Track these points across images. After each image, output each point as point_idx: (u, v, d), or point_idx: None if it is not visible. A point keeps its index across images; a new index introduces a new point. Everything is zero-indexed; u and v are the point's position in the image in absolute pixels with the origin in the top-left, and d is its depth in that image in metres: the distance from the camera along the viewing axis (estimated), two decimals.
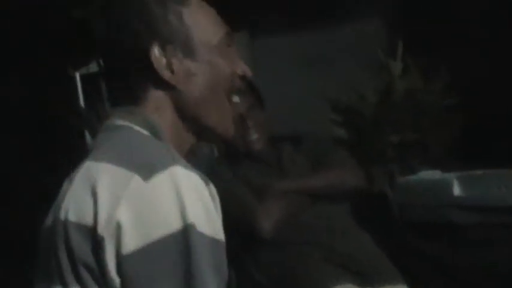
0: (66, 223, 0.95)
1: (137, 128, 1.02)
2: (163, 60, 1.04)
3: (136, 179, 0.90)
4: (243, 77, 1.13)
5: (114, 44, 1.06)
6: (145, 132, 1.02)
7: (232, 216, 2.12)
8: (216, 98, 1.09)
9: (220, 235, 0.95)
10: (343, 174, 2.24)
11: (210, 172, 2.26)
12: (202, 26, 1.08)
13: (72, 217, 0.95)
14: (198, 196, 0.92)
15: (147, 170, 0.91)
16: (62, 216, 0.97)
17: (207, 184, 0.95)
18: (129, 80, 1.06)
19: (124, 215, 0.89)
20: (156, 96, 1.05)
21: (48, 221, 1.02)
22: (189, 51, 1.06)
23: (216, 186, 2.19)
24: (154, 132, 1.02)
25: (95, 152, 1.01)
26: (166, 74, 1.04)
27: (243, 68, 1.12)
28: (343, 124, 3.80)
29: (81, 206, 0.94)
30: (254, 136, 2.21)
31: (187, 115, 1.07)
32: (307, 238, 2.14)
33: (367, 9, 4.64)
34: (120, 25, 1.05)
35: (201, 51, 1.07)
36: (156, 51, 1.04)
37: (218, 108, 1.09)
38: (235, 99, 1.17)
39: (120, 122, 1.03)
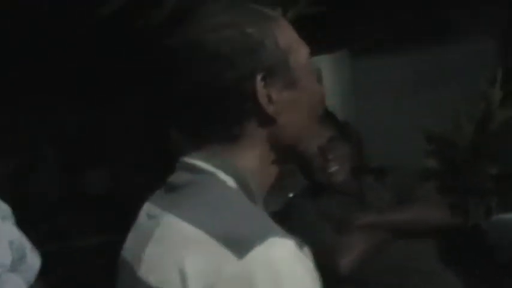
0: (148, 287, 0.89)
1: (222, 176, 0.92)
2: (265, 92, 0.93)
3: (231, 258, 0.80)
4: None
5: (200, 72, 0.93)
6: (231, 182, 0.92)
7: (312, 252, 2.03)
8: (312, 124, 1.01)
9: None
10: (428, 210, 2.08)
11: (290, 205, 2.19)
12: (295, 48, 0.97)
13: (155, 284, 0.88)
14: (297, 267, 0.82)
15: (243, 246, 0.80)
16: (143, 276, 0.90)
17: (301, 247, 0.85)
18: (224, 114, 0.93)
19: None
20: (253, 131, 0.94)
21: (125, 264, 0.97)
22: (287, 78, 0.95)
23: (296, 219, 2.12)
24: (241, 182, 0.92)
25: (177, 201, 0.92)
26: (270, 108, 0.93)
27: (323, 91, 1.04)
28: (436, 154, 3.61)
29: (167, 277, 0.85)
30: (334, 168, 2.10)
31: (282, 147, 0.97)
32: (390, 279, 1.99)
33: (475, 30, 4.42)
34: (215, 54, 0.92)
35: (299, 77, 0.96)
36: (259, 82, 0.92)
37: (311, 132, 1.01)
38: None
39: (202, 165, 0.93)
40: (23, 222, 2.06)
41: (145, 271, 0.90)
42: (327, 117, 2.17)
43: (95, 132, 5.01)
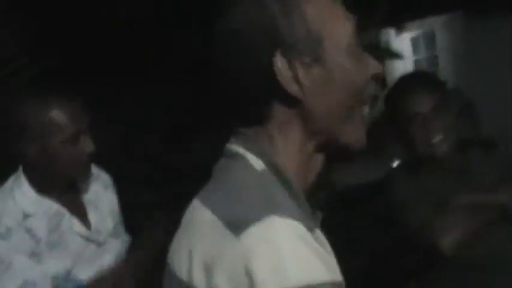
0: (173, 275, 0.90)
1: (252, 158, 0.90)
2: (289, 72, 0.87)
3: (229, 238, 0.79)
4: (381, 79, 0.93)
5: (229, 53, 0.90)
6: (259, 164, 0.88)
7: (410, 231, 1.89)
8: (350, 109, 0.91)
9: (337, 276, 0.81)
10: None
11: (386, 180, 2.04)
12: (329, 22, 0.89)
13: (173, 268, 0.91)
14: (297, 246, 0.77)
15: (240, 224, 0.79)
16: (169, 262, 0.94)
17: (312, 230, 0.81)
18: (247, 95, 0.90)
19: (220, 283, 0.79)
20: (281, 114, 0.90)
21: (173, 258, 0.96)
22: (317, 56, 0.88)
23: (393, 196, 1.97)
24: (271, 165, 0.88)
25: (208, 185, 0.92)
26: (293, 88, 0.88)
27: (377, 69, 0.93)
28: None
29: (181, 261, 0.88)
30: (437, 139, 1.92)
31: (318, 132, 0.91)
32: (495, 263, 1.81)
33: None
34: (235, 31, 0.88)
35: (331, 55, 0.89)
36: (279, 61, 0.87)
37: (352, 121, 0.92)
38: (366, 109, 0.96)
39: (236, 149, 0.92)
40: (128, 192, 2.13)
41: (170, 257, 0.92)
42: (430, 82, 1.99)
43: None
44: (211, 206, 0.85)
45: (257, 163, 0.89)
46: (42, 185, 1.74)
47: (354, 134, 0.92)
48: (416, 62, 14.13)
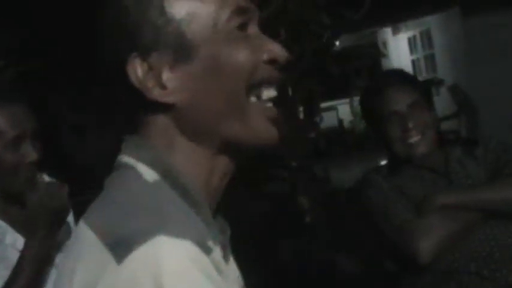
0: None
1: (143, 168, 0.79)
2: (150, 75, 0.78)
3: (111, 264, 0.68)
4: (281, 62, 0.82)
5: (100, 55, 0.82)
6: (151, 174, 0.78)
7: (387, 235, 1.80)
8: (239, 101, 0.80)
9: None
10: None
11: (363, 182, 1.96)
12: (195, 10, 0.79)
13: None
14: (186, 272, 0.67)
15: (123, 247, 0.68)
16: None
17: (206, 252, 0.70)
18: (118, 101, 0.82)
19: None
20: (158, 120, 0.80)
21: None
22: (182, 52, 0.78)
23: (370, 198, 1.88)
24: (165, 172, 0.78)
25: (94, 202, 0.79)
26: (154, 93, 0.78)
27: (274, 51, 0.82)
28: None
29: (63, 286, 0.75)
30: (415, 138, 1.84)
31: (205, 133, 0.81)
32: (477, 267, 1.73)
33: None
34: (100, 31, 0.81)
35: (200, 46, 0.79)
36: (136, 65, 0.78)
37: (242, 113, 0.81)
38: (268, 93, 0.85)
39: (126, 159, 0.82)
40: None
41: (56, 280, 0.82)
42: (406, 80, 1.92)
43: None
44: (93, 225, 0.74)
45: (149, 174, 0.79)
46: None
47: (254, 130, 0.81)
48: (413, 61, 14.07)
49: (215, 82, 0.79)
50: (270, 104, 0.84)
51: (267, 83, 0.83)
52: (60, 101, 4.76)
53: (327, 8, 4.76)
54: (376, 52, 9.59)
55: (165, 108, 0.79)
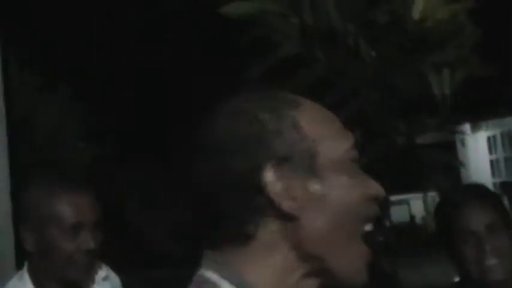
0: None
1: (225, 286, 0.79)
2: (280, 185, 0.79)
3: None
4: (381, 200, 0.83)
5: (212, 164, 0.81)
6: None
7: None
8: (349, 232, 0.81)
9: None
10: None
11: None
12: (324, 137, 0.82)
13: None
14: None
15: None
16: None
17: None
18: (227, 213, 0.80)
19: None
20: (268, 234, 0.80)
21: None
22: (312, 169, 0.80)
23: None
24: None
25: None
26: (286, 204, 0.79)
27: (377, 190, 0.83)
28: None
29: None
30: (492, 261, 1.73)
31: (310, 256, 0.80)
32: None
33: None
34: (218, 140, 0.81)
35: (326, 170, 0.81)
36: (270, 175, 0.79)
37: (348, 246, 0.82)
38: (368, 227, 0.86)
39: (208, 275, 0.81)
40: None
41: None
42: (487, 198, 1.82)
43: None
44: None
45: None
46: (43, 285, 1.64)
47: (351, 264, 0.81)
48: (492, 161, 13.72)
49: (336, 207, 0.80)
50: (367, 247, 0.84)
51: (372, 219, 0.84)
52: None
53: (404, 115, 4.73)
54: (453, 160, 9.41)
55: (283, 222, 0.79)
